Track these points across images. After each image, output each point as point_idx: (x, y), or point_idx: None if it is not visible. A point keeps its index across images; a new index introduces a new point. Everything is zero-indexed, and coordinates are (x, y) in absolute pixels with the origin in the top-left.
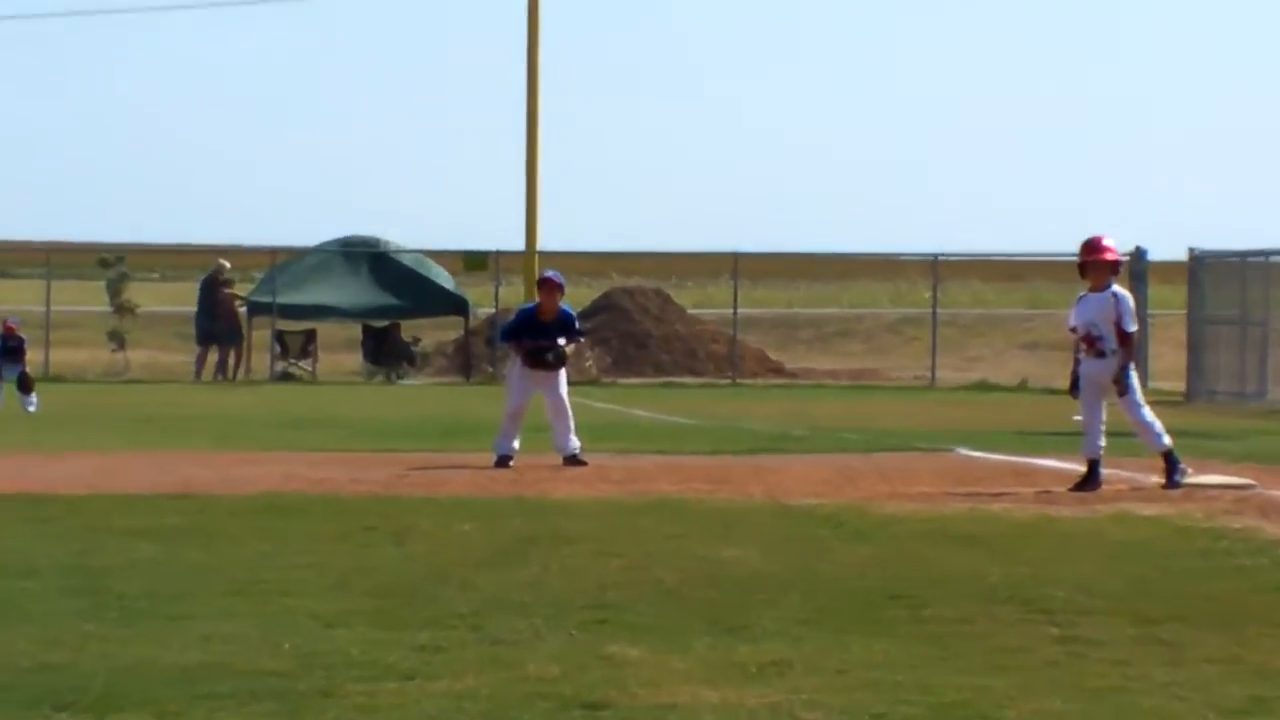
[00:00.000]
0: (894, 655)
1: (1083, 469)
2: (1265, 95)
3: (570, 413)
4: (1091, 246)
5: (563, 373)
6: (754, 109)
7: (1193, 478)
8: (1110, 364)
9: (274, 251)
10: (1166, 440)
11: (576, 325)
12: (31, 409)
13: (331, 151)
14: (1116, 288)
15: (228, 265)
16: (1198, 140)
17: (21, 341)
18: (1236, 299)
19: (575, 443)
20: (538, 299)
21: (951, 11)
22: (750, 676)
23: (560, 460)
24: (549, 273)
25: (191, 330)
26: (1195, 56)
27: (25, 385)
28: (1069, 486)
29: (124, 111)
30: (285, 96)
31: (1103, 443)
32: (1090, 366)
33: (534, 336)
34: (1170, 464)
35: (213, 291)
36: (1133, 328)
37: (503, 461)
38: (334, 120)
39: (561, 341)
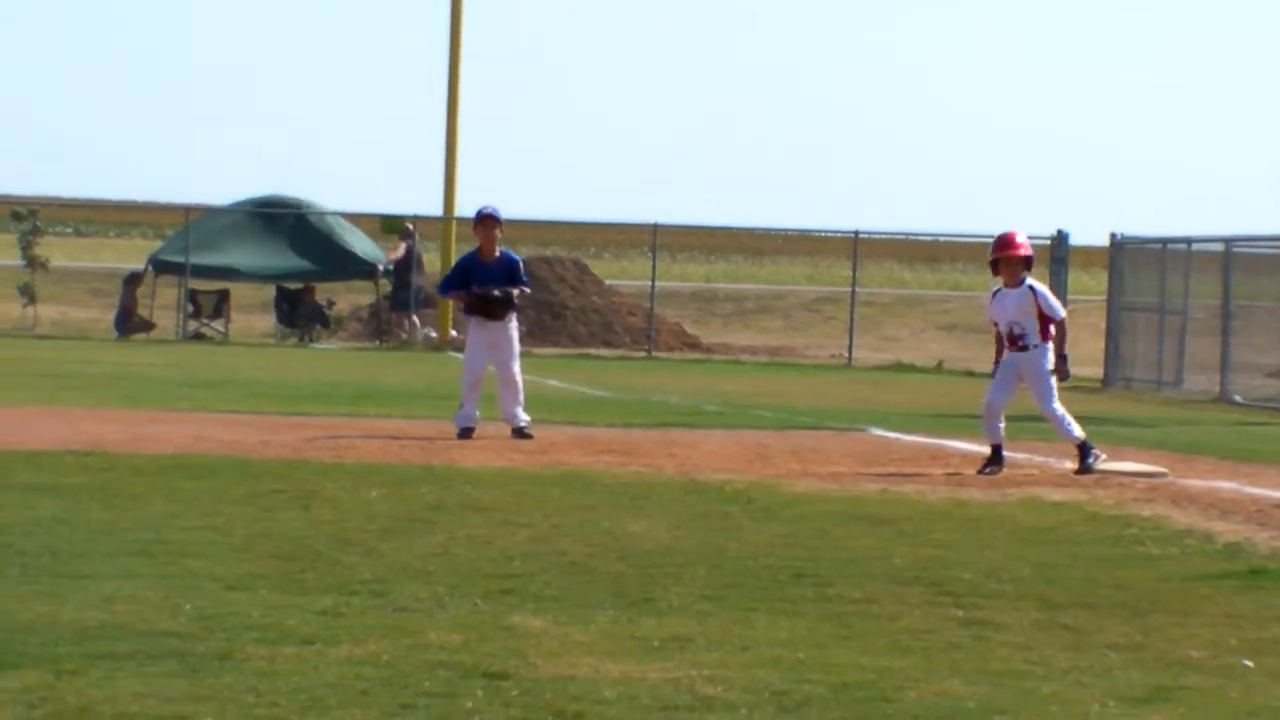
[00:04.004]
0: (798, 634)
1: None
2: (1191, 83)
3: (520, 385)
4: (1004, 243)
5: (515, 341)
6: (676, 80)
7: (1105, 464)
8: (1033, 356)
9: (188, 209)
10: (1078, 431)
11: (522, 273)
12: None
13: (251, 112)
14: (1031, 281)
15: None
16: (1122, 125)
17: None
18: (1156, 286)
19: (524, 416)
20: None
21: None
22: (653, 650)
23: (509, 431)
24: (487, 208)
25: (102, 287)
26: (1122, 42)
27: None
28: (976, 469)
29: (40, 65)
30: (209, 53)
31: (1002, 424)
32: (1015, 357)
33: (480, 283)
34: (1083, 451)
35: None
36: (1062, 314)
37: (465, 434)
38: (255, 81)
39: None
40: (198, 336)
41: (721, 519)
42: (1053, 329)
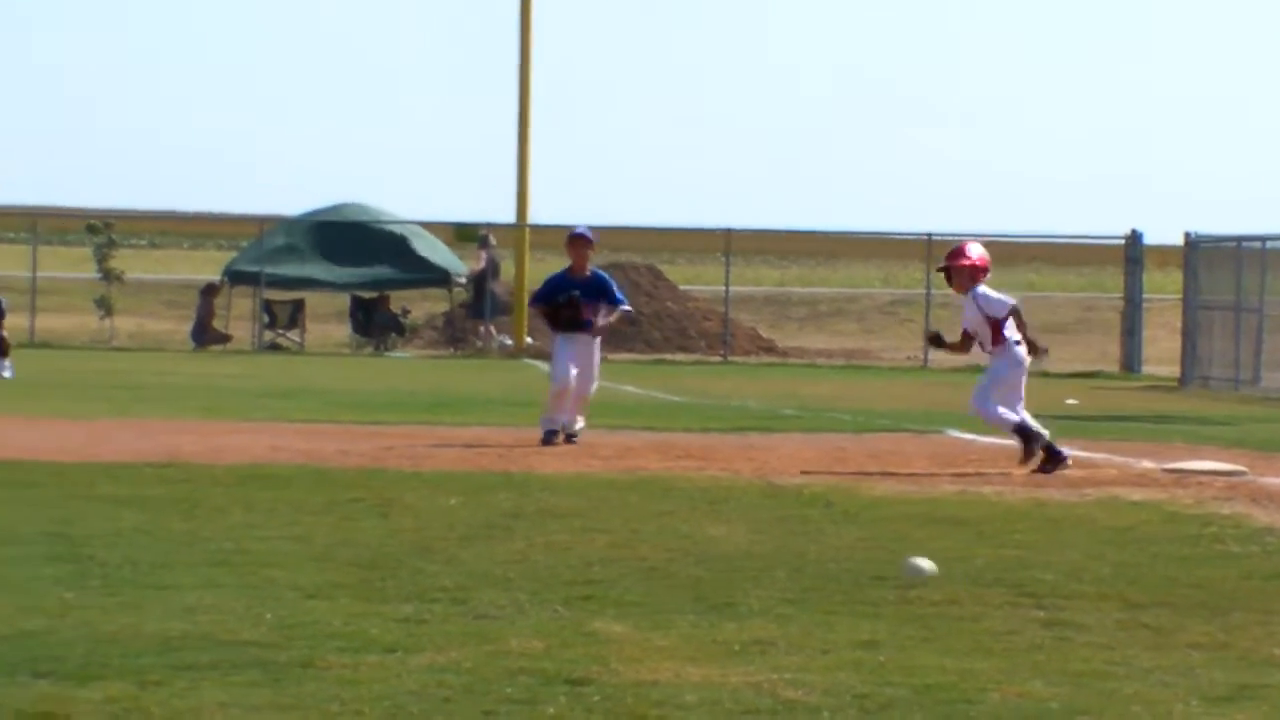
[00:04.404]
0: (879, 636)
1: (1040, 453)
2: (1265, 82)
3: (589, 397)
4: (952, 253)
5: (597, 364)
6: (748, 85)
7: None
8: (992, 359)
9: (262, 220)
10: (1012, 417)
11: (617, 292)
12: (6, 374)
13: (324, 122)
14: (979, 288)
15: None
16: (1196, 125)
17: None
18: (1232, 285)
19: (581, 422)
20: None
21: None
22: (734, 654)
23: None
24: (579, 228)
25: (177, 298)
26: (1196, 43)
27: (1, 349)
28: (1031, 469)
29: (116, 79)
30: (280, 66)
31: (1016, 417)
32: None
33: (567, 301)
34: (1026, 437)
35: None
36: (1006, 306)
37: (549, 438)
38: (328, 91)
39: (601, 316)
40: (273, 347)
41: (801, 522)
42: (1010, 326)
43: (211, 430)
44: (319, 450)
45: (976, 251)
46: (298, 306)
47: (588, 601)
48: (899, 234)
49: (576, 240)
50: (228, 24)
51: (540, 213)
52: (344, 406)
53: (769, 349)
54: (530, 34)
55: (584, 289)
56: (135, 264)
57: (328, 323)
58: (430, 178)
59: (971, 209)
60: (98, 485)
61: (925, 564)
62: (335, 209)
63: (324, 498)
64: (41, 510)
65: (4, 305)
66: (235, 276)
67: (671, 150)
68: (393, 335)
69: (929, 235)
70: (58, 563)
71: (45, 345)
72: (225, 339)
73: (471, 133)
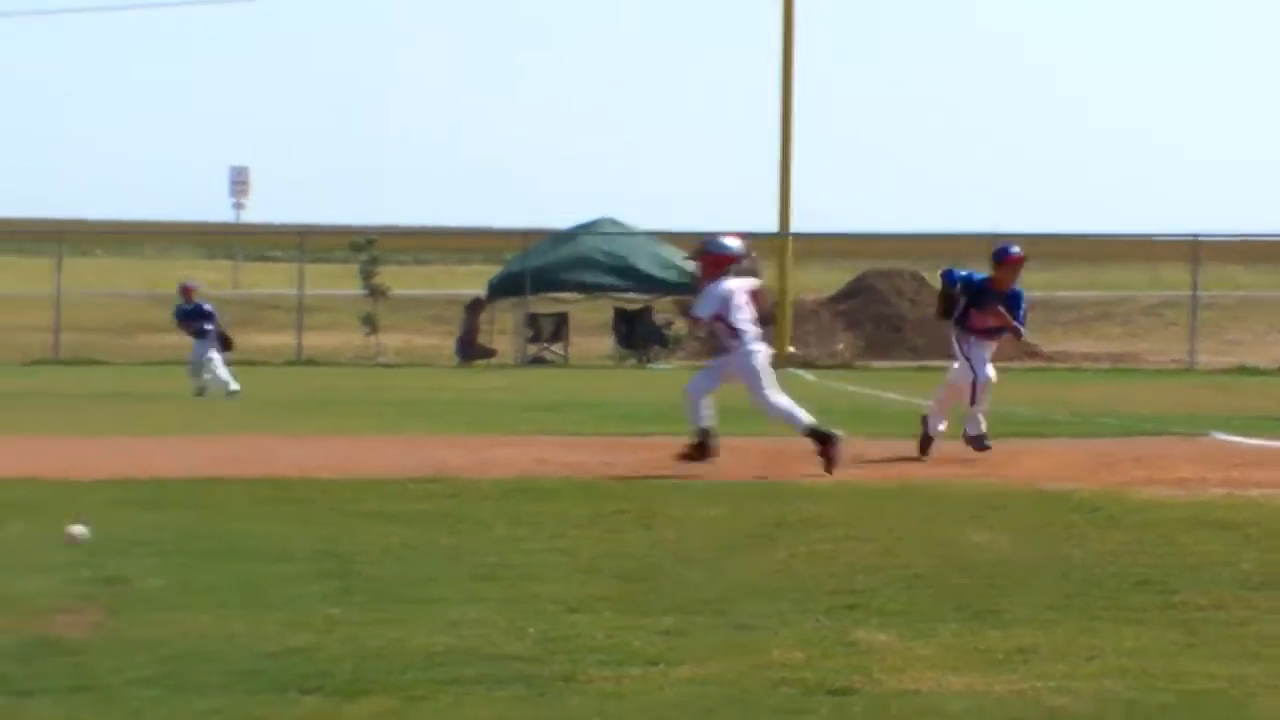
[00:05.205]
0: (1144, 642)
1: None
2: None
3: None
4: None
5: (968, 359)
6: (1008, 88)
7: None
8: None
9: (525, 234)
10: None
11: (1021, 309)
12: (234, 386)
13: (584, 135)
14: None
15: None
16: None
17: (198, 306)
18: None
19: (973, 426)
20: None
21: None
22: (997, 663)
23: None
24: (1014, 248)
25: (442, 314)
26: None
27: (226, 344)
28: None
29: (375, 99)
30: (537, 82)
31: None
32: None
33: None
34: (820, 438)
35: None
36: (701, 314)
37: (980, 442)
38: (588, 103)
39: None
40: (538, 360)
41: (1065, 528)
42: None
43: (477, 444)
44: (583, 462)
45: (721, 246)
46: (561, 320)
47: (850, 611)
48: (1165, 235)
49: (1017, 260)
50: (487, 46)
51: (801, 221)
52: (608, 418)
53: (1033, 354)
54: (793, 55)
55: (1005, 302)
56: (400, 280)
57: (591, 336)
58: (693, 189)
59: (1238, 211)
60: (365, 501)
61: (76, 530)
62: (593, 224)
63: (588, 510)
64: (310, 527)
65: (212, 312)
66: (500, 288)
67: (935, 155)
68: (655, 347)
69: (1195, 236)
70: (325, 579)
71: (312, 362)
72: (490, 353)
73: (734, 145)
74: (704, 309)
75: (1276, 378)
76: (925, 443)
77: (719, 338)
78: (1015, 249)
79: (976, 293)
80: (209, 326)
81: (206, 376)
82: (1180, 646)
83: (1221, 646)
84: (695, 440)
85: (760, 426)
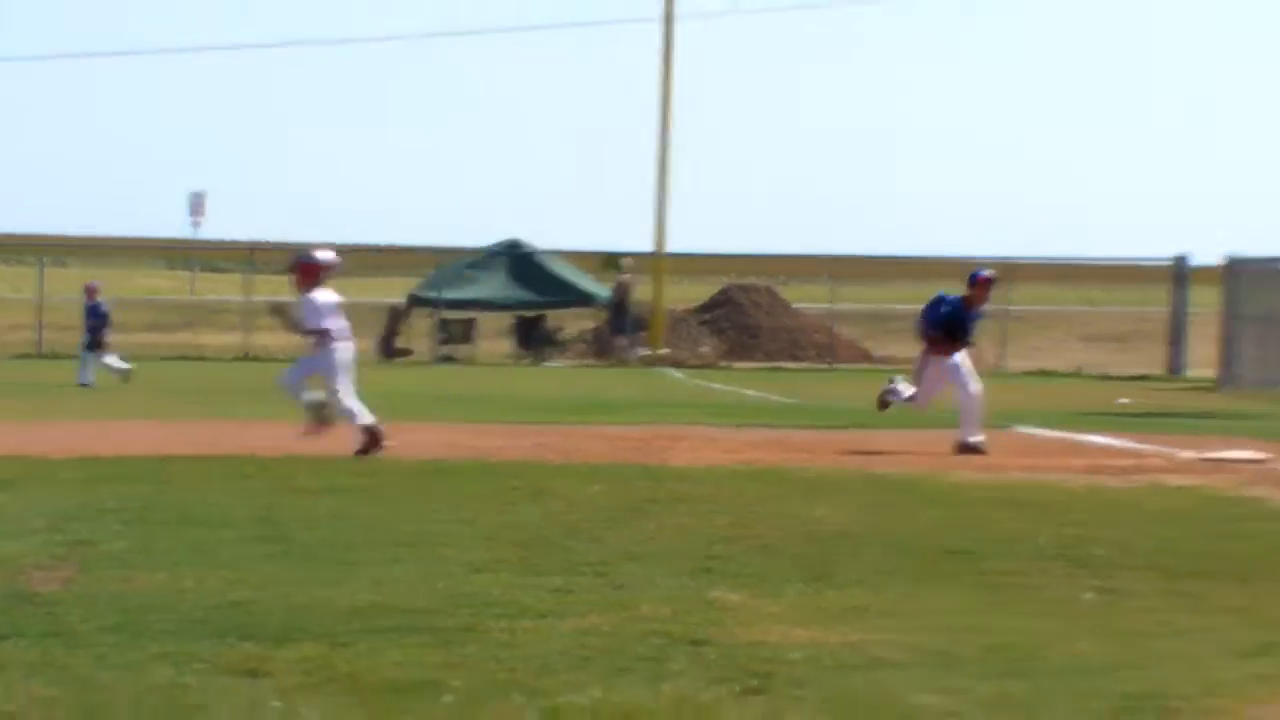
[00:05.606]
0: (957, 602)
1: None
2: None
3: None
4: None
5: (952, 368)
6: (866, 121)
7: (1219, 453)
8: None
9: (438, 253)
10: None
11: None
12: (86, 380)
13: (488, 162)
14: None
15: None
16: None
17: (96, 305)
18: (1265, 300)
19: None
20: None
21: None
22: (833, 619)
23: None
24: (983, 271)
25: (365, 318)
26: None
27: (96, 343)
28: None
29: (314, 133)
30: (430, 120)
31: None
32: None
33: (966, 327)
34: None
35: None
36: (314, 325)
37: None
38: (491, 135)
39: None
40: (448, 359)
41: (892, 505)
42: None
43: (396, 430)
44: (486, 446)
45: (312, 258)
46: (469, 324)
47: (709, 574)
48: (977, 257)
49: (989, 283)
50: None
51: (677, 241)
52: (507, 409)
53: (867, 357)
54: (671, 90)
55: (977, 321)
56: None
57: (494, 339)
58: (579, 212)
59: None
60: (299, 477)
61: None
62: (502, 244)
63: (490, 487)
64: (252, 499)
65: (106, 312)
66: (417, 300)
67: (786, 184)
68: (548, 348)
69: (1007, 258)
70: (264, 543)
71: (256, 358)
72: (407, 353)
73: (616, 172)
74: (314, 320)
75: (1070, 380)
76: (882, 405)
77: (315, 337)
78: (986, 271)
79: (964, 316)
80: (94, 322)
81: (107, 360)
82: (986, 606)
83: (1020, 606)
84: (310, 416)
85: (634, 416)
